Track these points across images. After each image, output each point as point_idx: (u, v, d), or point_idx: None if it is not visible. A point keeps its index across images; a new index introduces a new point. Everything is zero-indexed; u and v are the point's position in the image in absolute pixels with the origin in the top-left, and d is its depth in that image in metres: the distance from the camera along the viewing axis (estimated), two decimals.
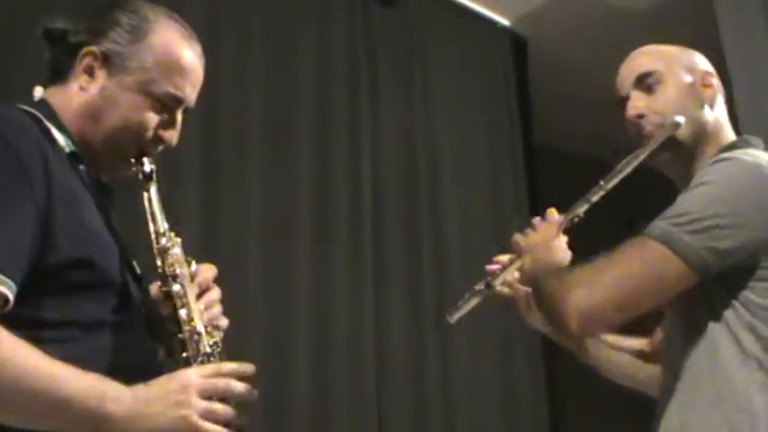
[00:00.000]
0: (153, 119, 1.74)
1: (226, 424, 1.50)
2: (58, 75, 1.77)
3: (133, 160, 1.76)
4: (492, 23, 4.67)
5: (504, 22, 4.71)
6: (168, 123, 1.77)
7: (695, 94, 2.02)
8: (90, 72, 1.73)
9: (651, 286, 1.80)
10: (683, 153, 1.99)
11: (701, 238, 1.76)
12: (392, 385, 3.63)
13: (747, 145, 1.96)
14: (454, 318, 2.20)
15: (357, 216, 3.74)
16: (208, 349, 1.65)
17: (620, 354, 2.23)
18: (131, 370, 1.52)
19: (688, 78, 2.04)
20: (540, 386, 4.19)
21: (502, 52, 4.65)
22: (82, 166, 1.69)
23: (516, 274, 2.19)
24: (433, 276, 3.91)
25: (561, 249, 2.06)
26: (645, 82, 2.03)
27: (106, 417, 1.42)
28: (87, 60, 1.73)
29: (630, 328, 1.98)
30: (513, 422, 4.02)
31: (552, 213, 2.12)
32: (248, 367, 1.58)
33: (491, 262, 2.25)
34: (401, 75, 4.16)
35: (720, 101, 2.06)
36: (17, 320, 1.45)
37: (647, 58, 2.07)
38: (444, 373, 3.81)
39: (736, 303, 1.80)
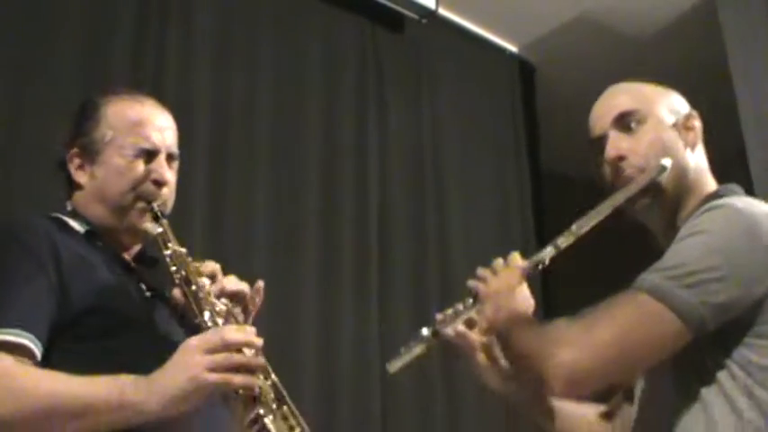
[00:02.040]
0: (141, 170, 1.96)
1: (237, 370, 1.63)
2: (71, 186, 2.03)
3: (144, 205, 1.96)
4: (500, 50, 4.68)
5: (513, 48, 4.72)
6: (154, 166, 1.98)
7: (678, 137, 1.88)
8: (82, 168, 2.00)
9: (647, 346, 1.64)
10: (665, 200, 1.84)
11: (697, 292, 1.61)
12: (397, 402, 3.61)
13: (733, 193, 1.84)
14: (394, 367, 1.99)
15: (363, 238, 3.74)
16: (220, 321, 1.78)
17: (581, 423, 2.06)
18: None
19: (671, 120, 1.90)
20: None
21: (510, 79, 4.67)
22: (99, 243, 1.93)
23: (462, 327, 2.02)
24: (439, 297, 3.87)
25: (524, 298, 1.91)
26: (625, 121, 1.88)
27: (131, 405, 1.60)
28: (74, 162, 2.01)
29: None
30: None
31: (516, 258, 1.96)
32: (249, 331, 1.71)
33: None
34: (409, 100, 4.17)
35: (700, 145, 1.92)
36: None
37: (627, 96, 1.92)
38: (449, 384, 3.80)
39: (732, 364, 1.66)
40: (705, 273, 1.62)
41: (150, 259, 2.05)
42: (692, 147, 1.89)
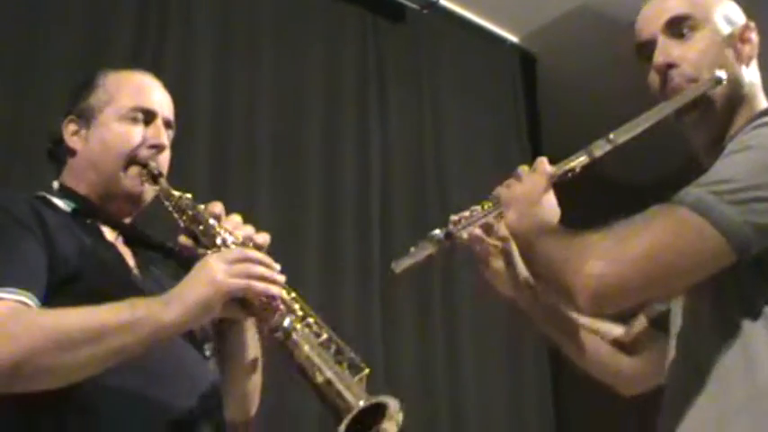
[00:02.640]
0: (137, 133, 1.93)
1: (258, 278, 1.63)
2: (62, 164, 1.98)
3: (139, 169, 1.92)
4: (501, 40, 4.67)
5: (513, 38, 4.71)
6: (151, 130, 1.95)
7: (734, 49, 1.74)
8: (77, 133, 1.96)
9: (684, 262, 1.49)
10: (715, 115, 1.70)
11: (743, 210, 1.47)
12: (400, 397, 3.60)
13: None
14: (399, 266, 1.86)
15: (365, 232, 3.74)
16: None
17: (596, 340, 1.95)
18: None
19: (727, 30, 1.75)
20: (547, 393, 4.17)
21: (510, 69, 4.65)
22: (87, 221, 1.88)
23: (478, 230, 1.91)
24: (443, 289, 3.89)
25: (551, 206, 1.78)
26: (677, 27, 1.74)
27: (146, 318, 1.57)
28: (70, 128, 1.97)
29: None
30: (520, 429, 4.00)
31: (543, 163, 1.83)
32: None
33: None
34: (410, 91, 4.16)
35: (755, 60, 1.77)
36: None
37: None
38: (452, 383, 3.80)
39: None
40: (753, 190, 1.49)
41: (140, 237, 1.97)
42: (747, 61, 1.76)
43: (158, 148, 1.94)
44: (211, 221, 1.80)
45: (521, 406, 4.08)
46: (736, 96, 1.72)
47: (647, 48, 1.77)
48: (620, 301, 1.55)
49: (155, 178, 1.90)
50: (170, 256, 1.92)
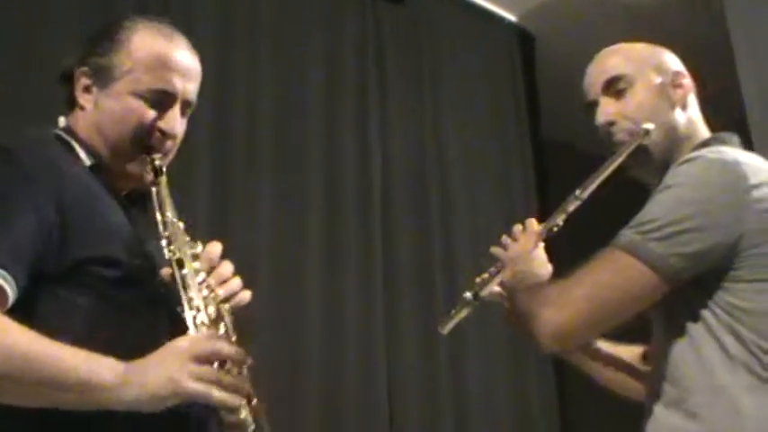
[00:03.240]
0: (149, 115, 1.80)
1: (220, 386, 1.51)
2: (70, 104, 1.87)
3: (143, 155, 1.81)
4: (499, 19, 4.68)
5: (512, 17, 4.72)
6: (165, 116, 1.82)
7: (666, 96, 1.96)
8: (87, 90, 1.83)
9: (620, 298, 1.74)
10: (653, 161, 1.92)
11: (668, 244, 1.70)
12: (404, 396, 3.63)
13: (720, 142, 1.89)
14: (446, 329, 2.20)
15: (367, 217, 3.76)
16: (206, 321, 1.65)
17: (614, 362, 2.16)
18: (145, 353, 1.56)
19: (658, 80, 1.97)
20: (551, 394, 4.19)
21: (509, 48, 4.67)
22: (103, 179, 1.79)
23: (497, 287, 2.15)
24: (445, 278, 3.90)
25: (541, 261, 2.05)
26: (614, 87, 1.96)
27: (103, 388, 1.48)
28: (81, 81, 1.84)
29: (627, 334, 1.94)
30: (525, 429, 4.02)
31: (532, 223, 2.10)
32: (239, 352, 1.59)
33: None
34: (410, 72, 4.17)
35: (693, 100, 1.99)
36: (37, 313, 1.59)
37: (615, 60, 2.00)
38: (456, 381, 3.82)
39: (713, 305, 1.74)
40: (676, 225, 1.71)
41: (142, 199, 1.87)
42: (682, 104, 1.96)
43: (168, 135, 1.83)
44: (194, 278, 1.69)
45: (525, 391, 4.09)
46: (672, 139, 1.93)
47: (592, 107, 2.00)
48: (571, 339, 1.85)
49: (156, 172, 1.81)
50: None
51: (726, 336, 1.73)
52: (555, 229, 2.05)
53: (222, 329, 1.67)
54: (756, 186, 1.73)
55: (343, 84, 3.87)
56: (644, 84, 1.96)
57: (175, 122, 1.84)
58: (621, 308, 1.76)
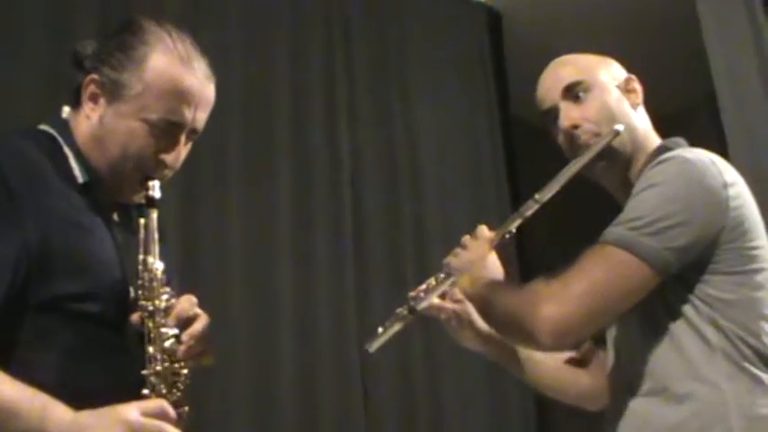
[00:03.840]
0: (152, 144, 1.76)
1: None
2: (76, 99, 1.81)
3: (141, 178, 1.78)
4: None
5: None
6: (169, 147, 1.78)
7: (623, 100, 2.01)
8: (95, 99, 1.78)
9: (619, 293, 1.77)
10: (619, 162, 1.96)
11: (660, 239, 1.75)
12: (378, 378, 3.63)
13: (678, 145, 1.96)
14: (373, 347, 2.12)
15: (337, 205, 3.74)
16: (163, 389, 1.67)
17: (556, 368, 2.18)
18: (111, 394, 1.58)
19: (613, 83, 2.02)
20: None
21: (477, 28, 4.63)
22: (94, 195, 1.75)
23: (437, 301, 2.15)
24: (414, 250, 3.89)
25: (494, 266, 2.05)
26: (573, 92, 1.99)
27: None
28: (90, 89, 1.78)
29: None
30: (501, 414, 4.01)
31: (483, 231, 2.10)
32: None
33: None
34: (376, 53, 4.14)
35: (641, 106, 2.05)
36: (18, 340, 1.60)
37: (570, 67, 2.04)
38: (427, 348, 3.80)
39: (693, 298, 1.80)
40: (664, 221, 1.76)
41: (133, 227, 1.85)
42: (636, 108, 2.02)
43: (168, 167, 1.80)
44: (160, 333, 1.70)
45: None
46: (634, 141, 1.97)
47: (551, 114, 2.02)
48: (575, 334, 1.82)
49: (148, 203, 1.77)
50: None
51: (706, 327, 1.78)
52: (508, 235, 2.07)
53: (175, 395, 1.69)
54: (731, 185, 1.82)
55: (310, 70, 3.84)
56: (601, 88, 2.00)
57: (178, 155, 1.81)
58: (619, 302, 1.79)
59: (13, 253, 1.58)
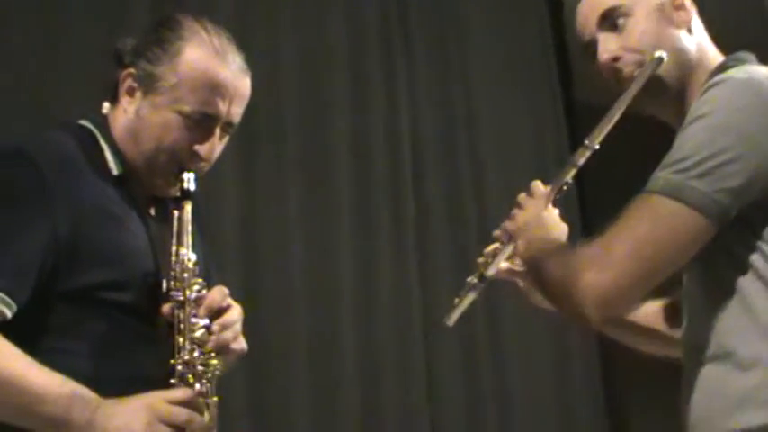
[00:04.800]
0: (186, 137, 1.78)
1: None
2: (115, 94, 1.85)
3: (176, 171, 1.80)
4: None
5: None
6: (203, 139, 1.80)
7: (669, 21, 1.78)
8: (131, 93, 1.81)
9: (668, 249, 1.55)
10: (669, 91, 1.75)
11: (711, 180, 1.52)
12: (441, 356, 3.62)
13: (741, 62, 1.72)
14: (452, 319, 2.04)
15: (397, 180, 3.73)
16: (191, 379, 1.69)
17: (644, 318, 1.99)
18: (140, 384, 1.64)
19: (656, 4, 1.78)
20: (595, 363, 4.09)
21: (537, 9, 4.52)
22: (129, 188, 1.79)
23: (505, 264, 2.02)
24: (477, 235, 3.82)
25: (555, 223, 1.89)
26: (610, 20, 1.78)
27: (68, 422, 1.55)
28: (128, 82, 1.81)
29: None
30: (566, 394, 3.96)
31: (537, 186, 1.93)
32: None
33: None
34: (435, 36, 4.09)
35: (697, 23, 1.82)
36: (30, 329, 1.62)
37: None
38: (493, 340, 3.79)
39: (763, 245, 1.57)
40: (716, 157, 1.53)
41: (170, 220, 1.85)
42: (686, 26, 1.79)
43: (203, 159, 1.81)
44: (191, 323, 1.72)
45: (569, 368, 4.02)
46: (684, 65, 1.76)
47: (591, 48, 1.82)
48: (622, 302, 1.63)
49: (183, 195, 1.79)
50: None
51: None
52: (565, 188, 1.90)
53: (204, 385, 1.70)
54: None
55: (367, 50, 3.82)
56: (643, 10, 1.78)
57: (213, 147, 1.81)
58: (670, 260, 1.57)
59: (42, 242, 1.62)
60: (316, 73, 3.61)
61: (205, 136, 1.80)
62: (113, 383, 1.61)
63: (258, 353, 2.92)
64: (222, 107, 1.79)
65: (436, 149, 3.90)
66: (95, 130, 1.82)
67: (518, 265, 2.01)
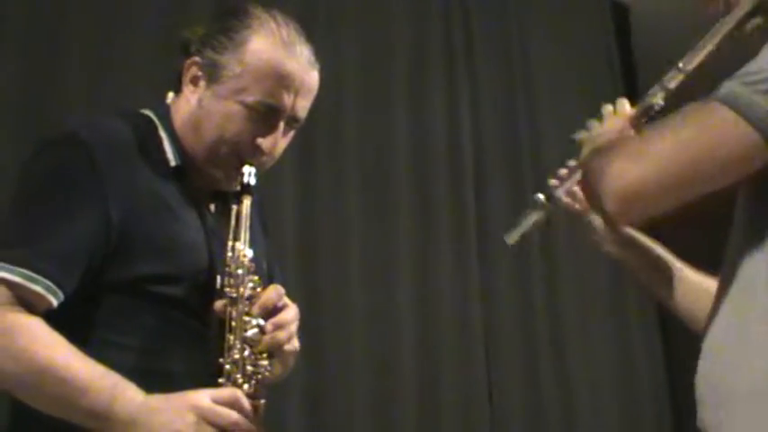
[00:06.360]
0: (248, 128, 1.73)
1: None
2: (179, 84, 1.80)
3: (236, 163, 1.75)
4: None
5: None
6: (266, 132, 1.74)
7: None
8: (195, 82, 1.77)
9: (713, 159, 1.38)
10: None
11: None
12: (502, 358, 3.62)
13: None
14: (513, 236, 1.88)
15: (459, 185, 3.72)
16: (240, 379, 1.63)
17: (706, 286, 1.75)
18: (187, 380, 1.59)
19: None
20: (658, 357, 4.09)
21: (602, 20, 4.50)
22: (187, 181, 1.74)
23: (575, 187, 1.89)
24: (542, 246, 3.83)
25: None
26: None
27: (110, 416, 1.49)
28: (192, 71, 1.77)
29: None
30: (630, 392, 3.94)
31: (624, 104, 1.79)
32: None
33: None
34: (498, 46, 4.09)
35: None
36: (75, 319, 1.58)
37: None
38: (554, 342, 3.78)
39: None
40: None
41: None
42: None
43: (265, 153, 1.75)
44: (243, 321, 1.65)
45: (630, 357, 4.01)
46: None
47: None
48: (645, 202, 1.44)
49: (242, 189, 1.74)
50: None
51: None
52: (652, 112, 1.73)
53: (253, 386, 1.63)
54: None
55: (429, 54, 3.82)
56: None
57: (276, 141, 1.75)
58: (708, 172, 1.40)
59: (93, 229, 1.58)
60: (377, 75, 3.62)
61: (268, 129, 1.74)
62: (159, 379, 1.57)
63: (314, 357, 2.97)
64: (287, 99, 1.73)
65: (499, 156, 3.89)
66: (156, 119, 1.77)
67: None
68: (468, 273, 3.62)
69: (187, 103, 1.76)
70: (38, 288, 1.52)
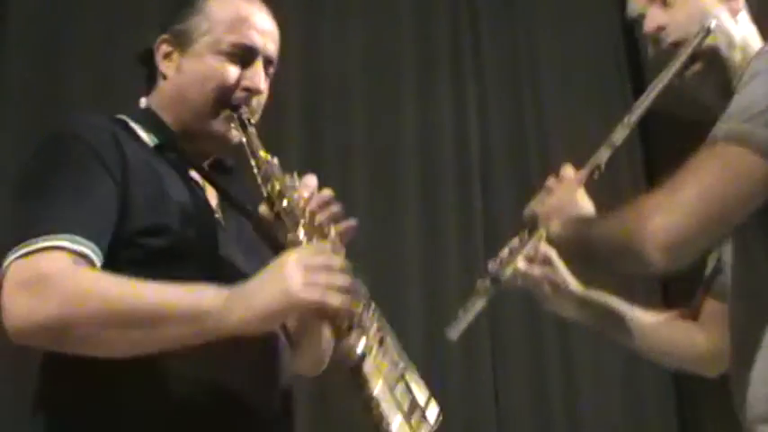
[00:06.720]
0: (233, 72, 1.77)
1: (336, 291, 1.46)
2: (152, 81, 1.85)
3: (228, 112, 1.77)
4: None
5: None
6: (248, 72, 1.78)
7: (720, 5, 1.75)
8: (168, 57, 1.81)
9: (736, 194, 1.50)
10: (717, 63, 1.71)
11: None
12: (508, 359, 3.62)
13: None
14: (455, 333, 1.87)
15: (465, 181, 3.72)
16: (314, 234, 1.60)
17: (669, 326, 1.98)
18: None
19: None
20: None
21: (609, 21, 4.42)
22: (171, 155, 1.76)
23: (522, 264, 1.92)
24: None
25: (586, 206, 1.83)
26: None
27: (206, 316, 1.45)
28: (162, 49, 1.82)
29: None
30: (636, 393, 3.90)
31: (568, 170, 1.88)
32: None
33: None
34: (505, 39, 4.10)
35: (745, 18, 1.78)
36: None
37: None
38: (561, 338, 3.76)
39: None
40: None
41: (227, 168, 1.88)
42: (734, 15, 1.77)
43: (253, 92, 1.79)
44: (295, 199, 1.64)
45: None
46: (731, 46, 1.73)
47: (639, 22, 1.80)
48: (689, 248, 1.54)
49: (244, 125, 1.75)
50: (247, 217, 1.76)
51: None
52: (598, 171, 1.85)
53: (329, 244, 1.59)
54: None
55: (435, 46, 3.83)
56: None
57: (259, 78, 1.79)
58: (737, 206, 1.52)
59: (110, 195, 1.60)
60: (384, 74, 3.62)
61: (250, 69, 1.79)
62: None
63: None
64: (258, 40, 1.80)
65: (506, 156, 3.89)
66: (125, 117, 1.79)
67: (537, 268, 1.95)
68: (474, 272, 3.58)
69: (167, 82, 1.81)
70: (86, 250, 1.52)
